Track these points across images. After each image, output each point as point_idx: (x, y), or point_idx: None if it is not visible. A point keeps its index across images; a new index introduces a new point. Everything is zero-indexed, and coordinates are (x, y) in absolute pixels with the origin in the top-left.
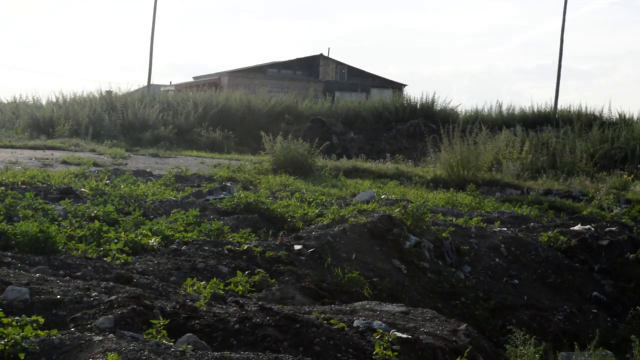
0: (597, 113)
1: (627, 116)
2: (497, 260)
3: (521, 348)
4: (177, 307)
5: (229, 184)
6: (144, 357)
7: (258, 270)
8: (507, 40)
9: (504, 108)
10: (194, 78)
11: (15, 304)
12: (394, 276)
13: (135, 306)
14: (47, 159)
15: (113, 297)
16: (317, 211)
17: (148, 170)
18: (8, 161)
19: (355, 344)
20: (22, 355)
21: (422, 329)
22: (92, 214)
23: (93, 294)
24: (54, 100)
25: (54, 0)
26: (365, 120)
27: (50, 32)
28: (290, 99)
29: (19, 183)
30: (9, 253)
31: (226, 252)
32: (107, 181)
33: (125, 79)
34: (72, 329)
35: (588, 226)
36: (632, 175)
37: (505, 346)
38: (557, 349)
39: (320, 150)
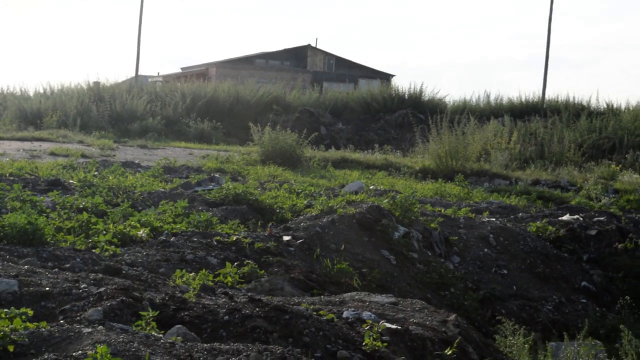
0: (585, 103)
1: (615, 106)
2: (485, 250)
3: (510, 338)
4: (167, 298)
5: (217, 175)
6: (134, 349)
7: (247, 261)
8: (496, 31)
9: (492, 98)
10: (182, 69)
11: (4, 296)
12: (383, 267)
13: (124, 298)
14: (35, 150)
15: (102, 289)
16: (305, 202)
17: (136, 161)
18: None
19: (345, 335)
20: (11, 348)
21: (411, 320)
22: (81, 206)
23: (82, 286)
24: (42, 91)
25: None
26: (353, 110)
27: (36, 22)
28: (279, 89)
29: (7, 175)
30: None
31: (215, 243)
32: (96, 173)
33: (113, 69)
34: (61, 321)
35: (576, 216)
36: (620, 165)
37: (495, 336)
38: (547, 339)
39: (308, 141)
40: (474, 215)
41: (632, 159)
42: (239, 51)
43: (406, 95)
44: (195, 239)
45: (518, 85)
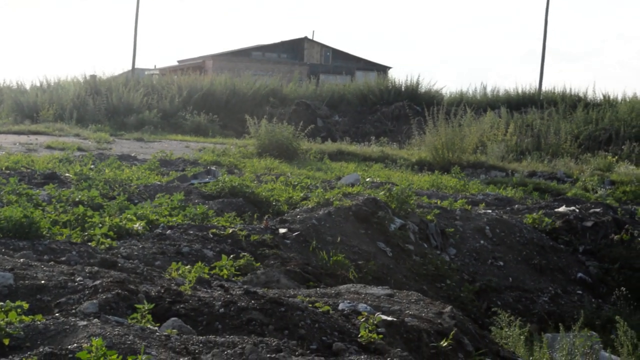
0: (581, 94)
1: (611, 97)
2: (482, 242)
3: (506, 330)
4: (162, 291)
5: (213, 167)
6: (129, 342)
7: (243, 254)
8: (493, 24)
9: (489, 90)
10: (179, 62)
11: None
12: (379, 259)
13: (119, 291)
14: (31, 144)
15: (97, 282)
16: (302, 194)
17: (132, 154)
18: None
19: (341, 327)
20: (6, 341)
21: (407, 312)
22: (77, 199)
23: (77, 279)
24: (38, 85)
25: None
26: (350, 103)
27: (32, 16)
28: (275, 82)
29: (3, 168)
30: None
31: (211, 236)
32: (92, 166)
33: (110, 63)
34: (57, 314)
35: (572, 208)
36: (616, 157)
37: (491, 328)
38: (542, 330)
39: (305, 134)
40: (470, 207)
41: (629, 150)
42: (236, 44)
43: (403, 87)
44: (191, 232)
45: (515, 77)
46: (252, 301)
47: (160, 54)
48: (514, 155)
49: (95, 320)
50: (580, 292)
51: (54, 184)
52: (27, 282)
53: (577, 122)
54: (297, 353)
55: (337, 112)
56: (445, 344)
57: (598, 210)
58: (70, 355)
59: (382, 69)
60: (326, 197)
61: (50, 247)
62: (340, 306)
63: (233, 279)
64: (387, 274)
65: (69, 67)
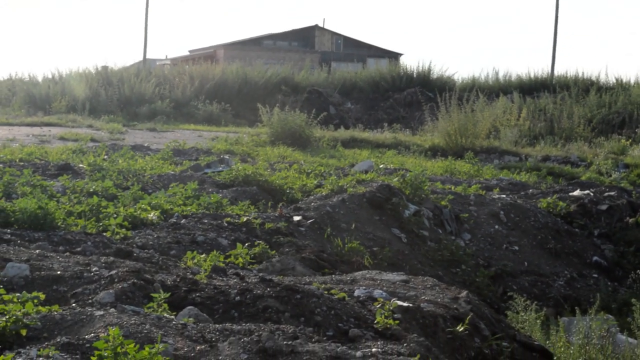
0: (594, 78)
1: (624, 81)
2: (496, 227)
3: (522, 314)
4: (178, 280)
5: (227, 156)
6: (145, 331)
7: (258, 242)
8: (505, 10)
9: (501, 75)
10: (190, 51)
11: (16, 280)
12: (394, 245)
13: (135, 280)
14: (45, 135)
15: (113, 272)
16: (315, 182)
17: (146, 144)
18: (5, 138)
19: (357, 314)
20: (23, 332)
21: (422, 297)
22: (91, 190)
23: (93, 269)
24: (50, 76)
25: None
26: (362, 90)
27: (43, 8)
28: (287, 70)
29: (17, 160)
30: (9, 230)
31: (225, 224)
32: (105, 156)
33: (121, 54)
34: (73, 305)
35: (587, 191)
36: (630, 140)
37: (507, 312)
38: (559, 314)
39: (317, 121)
40: (484, 192)
41: None
42: (247, 33)
43: (415, 73)
44: (206, 221)
45: (524, 62)
46: (268, 289)
47: (171, 44)
48: (527, 140)
49: (112, 309)
50: (596, 275)
51: (67, 175)
52: (43, 273)
53: (590, 105)
54: (313, 340)
55: (350, 100)
56: (462, 329)
57: (612, 193)
58: (87, 345)
59: (394, 56)
60: (340, 184)
61: (66, 238)
62: (356, 293)
63: (248, 267)
64: (402, 260)
65: (81, 58)
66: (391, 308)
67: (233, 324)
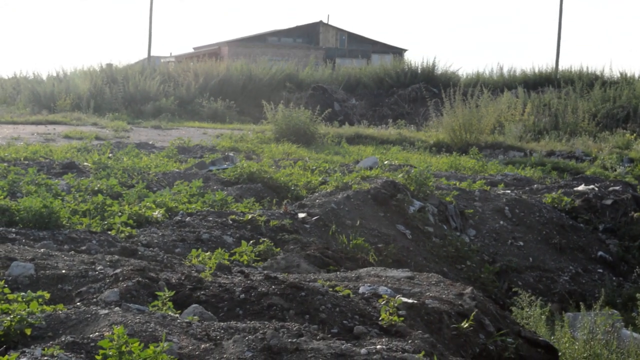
0: (598, 72)
1: (628, 75)
2: (501, 222)
3: (527, 310)
4: (183, 278)
5: (231, 154)
6: (150, 329)
7: (263, 239)
8: (510, 3)
9: (505, 70)
10: (194, 49)
11: (21, 279)
12: (398, 241)
13: (140, 279)
14: (49, 133)
15: (118, 270)
16: (320, 179)
17: (150, 142)
18: (10, 137)
19: (361, 310)
20: (28, 331)
21: (427, 294)
22: (96, 188)
23: (98, 268)
24: (55, 74)
25: None
26: (366, 86)
27: (48, 6)
28: (291, 67)
29: (22, 159)
30: (13, 229)
31: (230, 222)
32: (110, 154)
33: (125, 51)
34: (78, 303)
35: (592, 186)
36: (634, 134)
37: (512, 308)
38: (564, 309)
39: (322, 118)
40: (489, 187)
41: None
42: (251, 29)
43: (419, 69)
44: (211, 219)
45: (528, 57)
46: (273, 286)
47: (175, 41)
48: (532, 135)
49: (117, 308)
50: (600, 270)
51: (72, 173)
52: (48, 272)
53: (595, 100)
54: (318, 337)
55: (354, 96)
56: (466, 325)
57: (617, 188)
58: (92, 344)
59: (398, 52)
60: (344, 180)
61: (70, 237)
62: (361, 290)
63: (253, 264)
64: (407, 256)
65: (85, 56)
66: (396, 305)
67: (238, 321)
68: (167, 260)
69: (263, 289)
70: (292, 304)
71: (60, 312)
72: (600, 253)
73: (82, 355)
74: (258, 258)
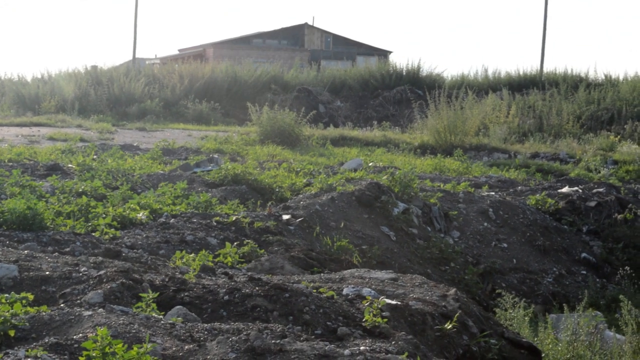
0: (583, 75)
1: (613, 77)
2: (485, 224)
3: (511, 311)
4: (167, 280)
5: (216, 155)
6: (134, 331)
7: (247, 241)
8: (494, 6)
9: (490, 72)
10: (179, 50)
11: (4, 281)
12: (383, 243)
13: (124, 280)
14: (34, 135)
15: (102, 272)
16: (305, 181)
17: (135, 144)
18: None
19: (345, 312)
20: (12, 332)
21: (411, 295)
22: (80, 190)
23: (82, 269)
24: (39, 76)
25: None
26: (351, 88)
27: (32, 8)
28: (276, 69)
29: (6, 160)
30: None
31: (215, 223)
32: (94, 156)
33: (110, 53)
34: (62, 305)
35: (575, 188)
36: (618, 136)
37: (495, 310)
38: (547, 311)
39: (307, 120)
40: (473, 189)
41: (631, 129)
42: (236, 31)
43: (404, 71)
44: (195, 220)
45: (513, 59)
46: (257, 288)
47: (160, 43)
48: (517, 137)
49: (100, 310)
50: (584, 272)
51: (57, 175)
52: (31, 273)
53: (579, 102)
54: (301, 338)
55: (339, 98)
56: (450, 326)
57: (601, 190)
58: (75, 345)
59: (383, 54)
60: (329, 182)
61: (54, 238)
62: (345, 291)
63: (237, 266)
64: (391, 258)
65: (70, 58)
66: (379, 306)
67: (222, 323)
68: (151, 261)
69: (247, 291)
70: (276, 305)
71: (44, 313)
72: (583, 255)
73: (66, 357)
74: (242, 260)
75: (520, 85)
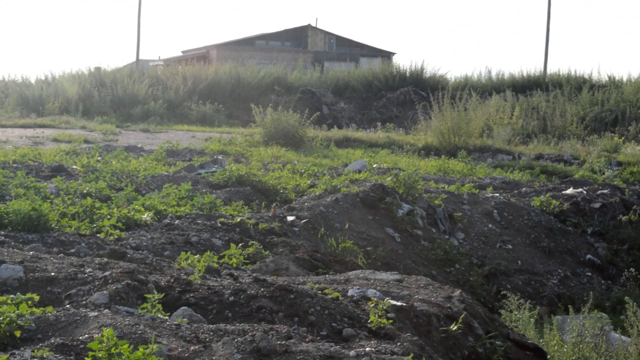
0: (586, 76)
1: (616, 78)
2: (490, 226)
3: (516, 313)
4: (172, 281)
5: (220, 157)
6: (140, 332)
7: (252, 242)
8: (497, 8)
9: (494, 74)
10: (183, 52)
11: (10, 282)
12: (387, 245)
13: (129, 281)
14: (38, 137)
15: (107, 273)
16: (309, 182)
17: (139, 145)
18: None
19: (350, 313)
20: (18, 333)
21: (416, 296)
22: (85, 191)
23: (87, 270)
24: (43, 78)
25: None
26: (355, 89)
27: (36, 10)
28: (280, 70)
29: (10, 162)
30: (2, 232)
31: (219, 225)
32: (99, 158)
33: (114, 55)
34: (67, 306)
35: (580, 189)
36: (622, 138)
37: (500, 311)
38: (552, 312)
39: (310, 121)
40: (477, 191)
41: (635, 131)
42: (239, 33)
43: (407, 72)
44: (200, 221)
45: (517, 60)
46: (262, 289)
47: (164, 44)
48: (520, 139)
49: (106, 310)
50: (589, 273)
51: (61, 176)
52: (37, 274)
53: (583, 103)
54: (307, 339)
55: (343, 99)
56: (455, 328)
57: (605, 191)
58: (81, 346)
59: (387, 55)
60: (333, 184)
61: (59, 239)
62: (350, 292)
63: (242, 267)
64: (396, 259)
65: (74, 60)
66: (385, 307)
67: (227, 324)
68: (156, 262)
69: (252, 292)
70: (281, 307)
71: (50, 314)
72: (588, 256)
73: (72, 357)
74: (247, 261)
75: (524, 86)
